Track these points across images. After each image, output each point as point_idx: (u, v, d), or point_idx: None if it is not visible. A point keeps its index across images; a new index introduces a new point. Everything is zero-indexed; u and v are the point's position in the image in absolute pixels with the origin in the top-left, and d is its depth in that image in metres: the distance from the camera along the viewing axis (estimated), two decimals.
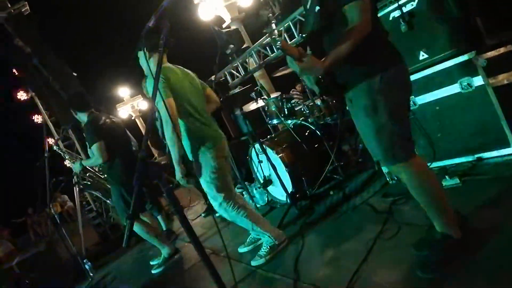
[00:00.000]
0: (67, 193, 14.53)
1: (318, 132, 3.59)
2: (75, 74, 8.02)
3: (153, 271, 3.81)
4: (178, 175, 2.54)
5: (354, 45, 1.60)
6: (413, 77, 2.61)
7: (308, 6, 1.86)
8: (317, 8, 1.74)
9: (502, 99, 2.37)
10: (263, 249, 2.84)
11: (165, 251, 3.86)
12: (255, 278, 2.61)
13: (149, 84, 2.82)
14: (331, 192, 3.40)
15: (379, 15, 2.64)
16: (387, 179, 3.01)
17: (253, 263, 2.80)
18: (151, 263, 4.09)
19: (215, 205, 2.77)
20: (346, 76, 1.76)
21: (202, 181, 2.73)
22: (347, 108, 2.01)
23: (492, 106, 2.39)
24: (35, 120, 8.65)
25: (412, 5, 2.58)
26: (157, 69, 1.62)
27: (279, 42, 1.66)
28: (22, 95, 8.11)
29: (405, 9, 2.60)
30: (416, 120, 2.67)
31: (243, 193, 4.52)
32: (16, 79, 8.11)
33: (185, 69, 2.87)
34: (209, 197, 2.78)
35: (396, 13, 2.65)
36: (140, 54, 2.78)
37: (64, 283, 5.08)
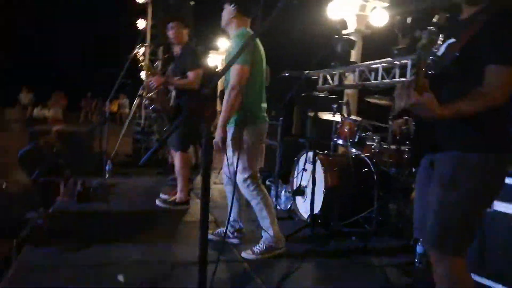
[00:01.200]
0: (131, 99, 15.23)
1: (375, 176, 3.35)
2: (192, 2, 8.23)
3: (156, 202, 3.83)
4: (217, 137, 2.57)
5: (479, 110, 1.40)
6: (508, 181, 2.30)
7: (441, 48, 1.65)
8: (456, 54, 1.52)
9: None
10: (260, 246, 2.72)
11: (179, 196, 3.86)
12: (237, 269, 2.51)
13: (235, 43, 2.74)
14: (353, 238, 3.17)
15: None
16: (416, 260, 2.72)
17: (244, 255, 2.69)
18: (161, 195, 4.12)
19: (240, 178, 2.71)
20: (446, 136, 1.53)
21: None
22: (415, 169, 1.80)
23: None
24: (137, 25, 9.03)
25: None
26: (257, 32, 1.51)
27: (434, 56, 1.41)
28: None
29: None
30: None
31: (271, 188, 4.40)
32: None
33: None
34: (238, 169, 2.72)
35: None
36: (226, 7, 2.76)
37: (81, 168, 5.30)
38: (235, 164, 2.69)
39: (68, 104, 15.23)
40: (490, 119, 1.46)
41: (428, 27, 1.38)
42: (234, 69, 2.55)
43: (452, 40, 1.56)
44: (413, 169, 3.30)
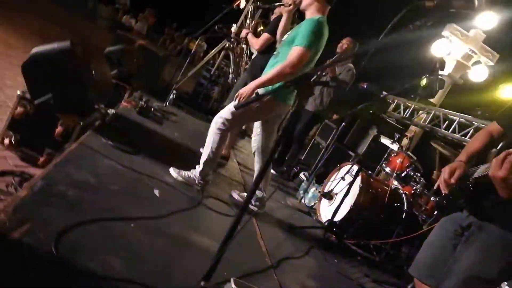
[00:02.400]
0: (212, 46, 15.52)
1: (404, 215, 3.41)
2: None
3: (201, 149, 4.05)
4: (245, 90, 2.67)
5: None
6: None
7: None
8: None
9: None
10: (188, 172, 2.91)
11: None
12: (248, 233, 2.70)
13: (308, 24, 2.73)
14: (359, 258, 3.28)
15: None
16: None
17: (171, 171, 2.90)
18: None
19: (220, 114, 2.85)
20: (504, 213, 1.53)
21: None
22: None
23: None
24: None
25: None
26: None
27: None
28: None
29: None
30: None
31: (303, 181, 4.54)
32: None
33: None
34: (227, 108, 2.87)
35: None
36: None
37: (146, 86, 5.64)
38: (228, 104, 2.83)
39: (154, 24, 15.84)
40: None
41: None
42: (298, 49, 2.61)
43: None
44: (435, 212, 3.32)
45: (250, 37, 4.12)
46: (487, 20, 6.13)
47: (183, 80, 7.11)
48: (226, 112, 2.83)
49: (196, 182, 2.90)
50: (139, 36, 11.32)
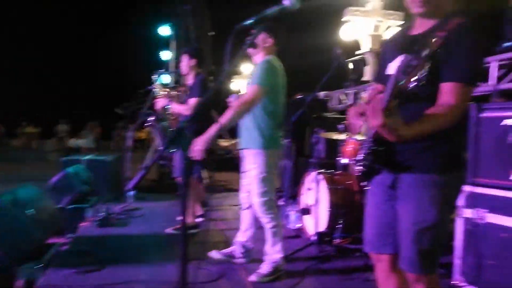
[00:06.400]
0: None
1: None
2: (212, 33, 8.63)
3: (165, 230, 3.98)
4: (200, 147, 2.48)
5: (438, 129, 1.45)
6: (500, 193, 2.34)
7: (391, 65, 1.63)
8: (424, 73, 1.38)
9: None
10: (267, 267, 2.80)
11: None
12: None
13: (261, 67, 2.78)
14: (357, 254, 3.21)
15: (488, 114, 2.39)
16: None
17: (252, 278, 2.75)
18: (178, 218, 4.29)
19: (260, 201, 2.77)
20: (413, 158, 1.56)
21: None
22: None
23: None
24: (161, 56, 9.59)
25: None
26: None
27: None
28: (164, 31, 8.89)
29: None
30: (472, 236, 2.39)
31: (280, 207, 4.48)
32: (163, 15, 9.04)
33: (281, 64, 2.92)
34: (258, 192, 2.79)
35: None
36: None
37: (107, 194, 5.57)
38: (254, 187, 2.76)
39: (103, 133, 16.06)
40: (451, 139, 1.53)
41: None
42: (251, 88, 2.72)
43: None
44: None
45: (177, 106, 4.14)
46: None
47: (137, 173, 7.08)
48: (261, 194, 2.74)
49: (280, 267, 2.80)
50: (89, 152, 11.36)
